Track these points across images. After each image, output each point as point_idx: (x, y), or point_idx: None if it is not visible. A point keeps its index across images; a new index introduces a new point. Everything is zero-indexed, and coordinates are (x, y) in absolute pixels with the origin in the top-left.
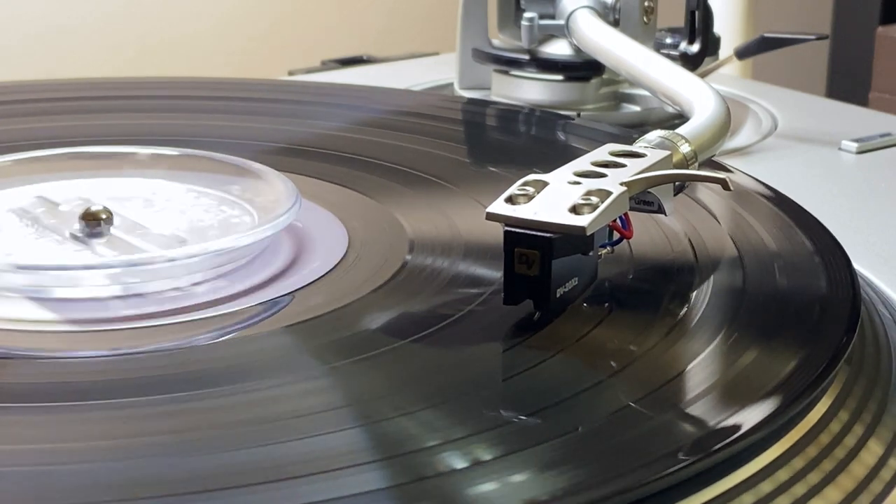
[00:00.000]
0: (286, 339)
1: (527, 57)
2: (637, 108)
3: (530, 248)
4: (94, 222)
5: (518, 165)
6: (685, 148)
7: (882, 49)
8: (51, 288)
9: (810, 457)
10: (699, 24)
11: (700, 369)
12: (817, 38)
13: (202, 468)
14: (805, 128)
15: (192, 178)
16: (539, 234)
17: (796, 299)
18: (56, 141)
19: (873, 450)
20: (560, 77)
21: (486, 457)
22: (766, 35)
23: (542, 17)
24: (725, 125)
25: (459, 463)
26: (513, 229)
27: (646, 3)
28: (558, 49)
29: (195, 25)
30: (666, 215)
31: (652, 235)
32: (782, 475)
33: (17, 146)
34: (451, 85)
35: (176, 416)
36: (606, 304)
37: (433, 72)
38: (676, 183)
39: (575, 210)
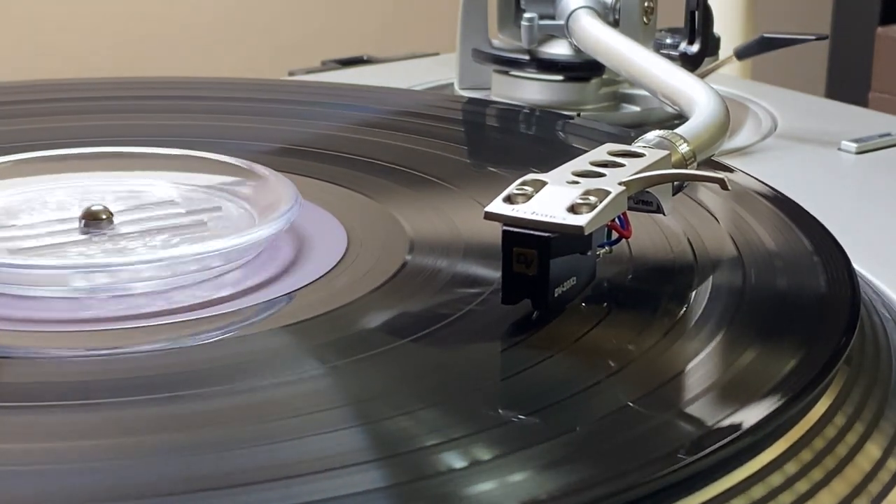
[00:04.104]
0: (286, 339)
1: (527, 57)
2: (637, 109)
3: (528, 248)
4: (94, 222)
5: (518, 165)
6: (684, 148)
7: (882, 49)
8: (50, 287)
9: (810, 456)
10: (699, 25)
11: (699, 369)
12: (817, 39)
13: (201, 468)
14: (805, 128)
15: (192, 178)
16: (537, 233)
17: (796, 299)
18: (56, 141)
19: (873, 450)
20: (560, 77)
21: (485, 456)
22: (766, 35)
23: (541, 17)
24: (724, 125)
25: (458, 462)
26: (511, 229)
27: (646, 3)
28: (558, 49)
29: (195, 25)
30: (665, 215)
31: (651, 235)
32: (782, 475)
33: (18, 146)
34: (451, 85)
35: (175, 415)
36: (605, 304)
37: (433, 72)
38: (675, 183)
39: (573, 209)
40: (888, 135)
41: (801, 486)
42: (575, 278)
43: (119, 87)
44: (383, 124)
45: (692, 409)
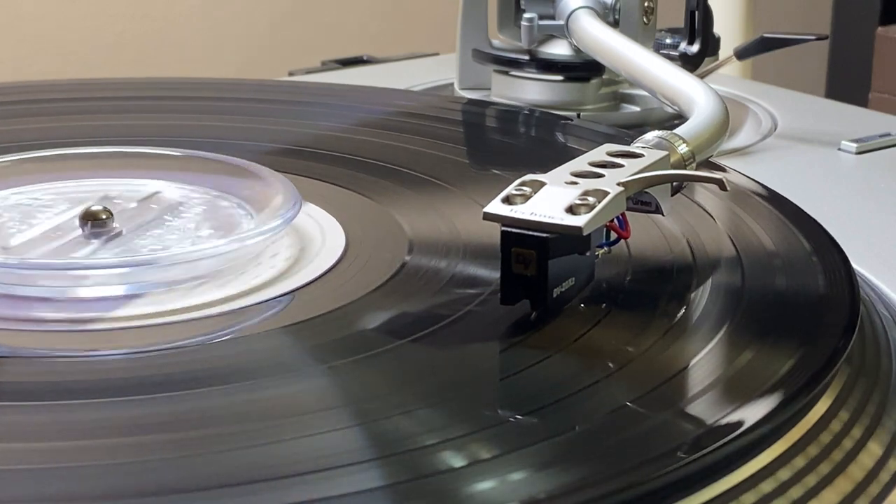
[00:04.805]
0: (286, 339)
1: (527, 57)
2: (637, 109)
3: (527, 248)
4: (93, 222)
5: (517, 166)
6: (682, 148)
7: (882, 49)
8: (50, 287)
9: (811, 456)
10: (699, 25)
11: (698, 369)
12: (817, 39)
13: (201, 468)
14: (804, 128)
15: (192, 178)
16: (536, 234)
17: (795, 299)
18: (56, 141)
19: (873, 450)
20: (560, 77)
21: (485, 455)
22: (766, 35)
23: (541, 17)
24: (724, 126)
25: (458, 461)
26: (510, 229)
27: (646, 3)
28: (558, 49)
29: (196, 25)
30: (664, 216)
31: (650, 236)
32: (782, 475)
33: (17, 146)
34: (451, 85)
35: (175, 415)
36: (604, 305)
37: (433, 72)
38: (674, 183)
39: (572, 210)
40: (888, 135)
41: (803, 486)
42: (574, 279)
43: (119, 87)
44: (383, 124)
45: (691, 409)
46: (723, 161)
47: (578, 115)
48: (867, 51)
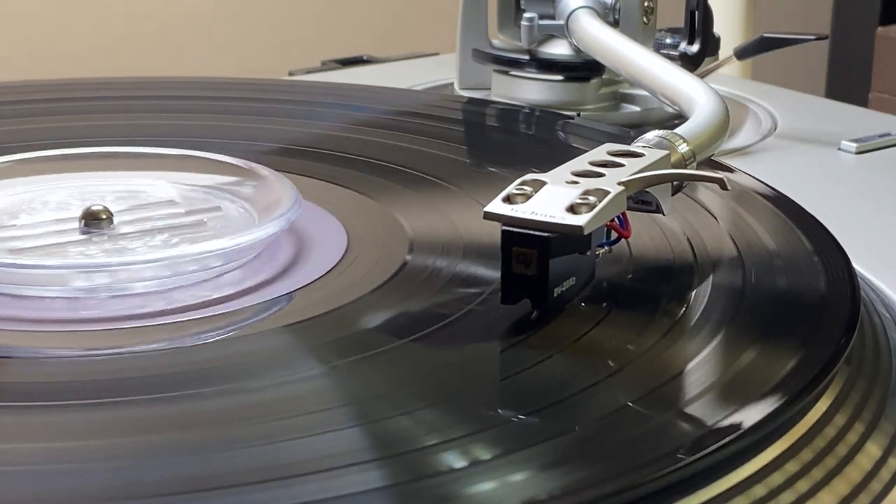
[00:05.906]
0: (286, 339)
1: (527, 57)
2: (637, 109)
3: (528, 248)
4: (94, 222)
5: (518, 165)
6: (683, 148)
7: (882, 49)
8: (50, 287)
9: (810, 456)
10: (699, 24)
11: (699, 369)
12: (817, 39)
13: (201, 468)
14: (804, 128)
15: (191, 178)
16: (537, 233)
17: (796, 299)
18: (56, 141)
19: (873, 449)
20: (560, 77)
21: (485, 456)
22: (766, 35)
23: (541, 17)
24: (724, 125)
25: (458, 462)
26: (510, 229)
27: (646, 3)
28: (558, 49)
29: (195, 25)
30: (664, 215)
31: (651, 235)
32: (782, 475)
33: (17, 146)
34: (451, 85)
35: (175, 415)
36: (605, 304)
37: (433, 72)
38: (675, 183)
39: (572, 209)
40: (888, 135)
41: (802, 486)
42: (574, 278)
43: (119, 87)
44: (383, 124)
45: (692, 409)
46: (723, 160)
47: (578, 115)
48: (867, 51)
